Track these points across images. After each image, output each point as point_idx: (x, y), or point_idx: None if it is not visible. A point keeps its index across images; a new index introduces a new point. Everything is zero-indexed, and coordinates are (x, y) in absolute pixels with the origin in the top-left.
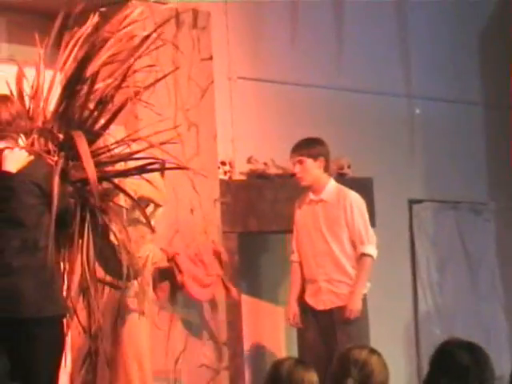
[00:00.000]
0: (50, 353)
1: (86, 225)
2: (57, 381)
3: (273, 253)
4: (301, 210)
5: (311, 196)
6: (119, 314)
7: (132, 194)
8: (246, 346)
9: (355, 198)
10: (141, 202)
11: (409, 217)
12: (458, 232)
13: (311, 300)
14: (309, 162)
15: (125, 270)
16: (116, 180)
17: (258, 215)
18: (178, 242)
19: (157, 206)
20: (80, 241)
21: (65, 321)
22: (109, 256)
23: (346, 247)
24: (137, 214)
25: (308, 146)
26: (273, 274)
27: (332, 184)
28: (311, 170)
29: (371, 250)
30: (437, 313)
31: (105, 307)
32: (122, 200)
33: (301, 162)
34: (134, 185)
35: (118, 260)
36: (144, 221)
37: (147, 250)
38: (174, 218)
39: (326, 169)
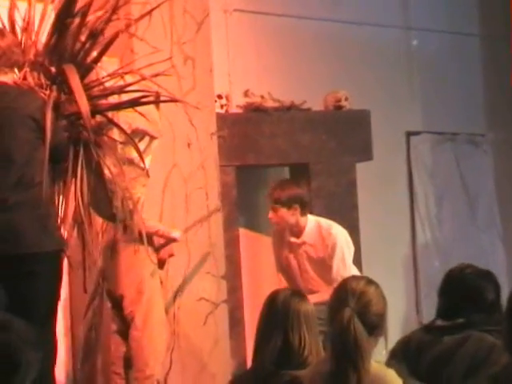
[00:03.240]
0: (49, 288)
1: (80, 159)
2: (55, 316)
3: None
4: (281, 250)
5: (292, 239)
6: (114, 250)
7: (126, 127)
8: (245, 279)
9: (339, 236)
10: (136, 135)
11: (406, 149)
12: (456, 164)
13: None
14: (283, 211)
15: (116, 210)
16: (110, 113)
17: (256, 149)
18: (175, 176)
19: (152, 138)
20: (74, 175)
21: (62, 255)
22: (101, 197)
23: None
24: (130, 152)
25: (281, 195)
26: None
27: (311, 223)
28: (286, 218)
29: None
30: (435, 245)
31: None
32: (116, 134)
33: (274, 210)
34: (129, 117)
35: (109, 201)
36: (137, 161)
37: (138, 193)
38: (170, 153)
39: (304, 212)
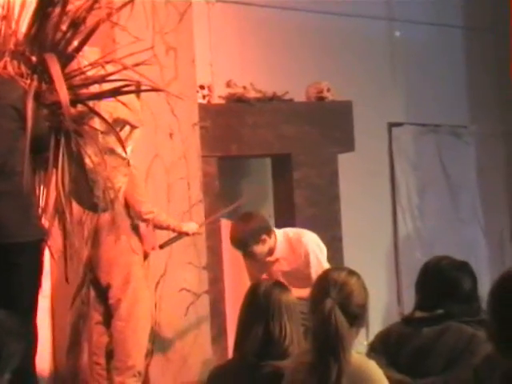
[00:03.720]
0: (31, 278)
1: (61, 148)
2: (36, 305)
3: (253, 177)
4: (254, 271)
5: (266, 258)
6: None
7: (107, 116)
8: (226, 270)
9: (309, 242)
10: (117, 124)
11: (388, 140)
12: (439, 155)
13: None
14: (254, 247)
15: (97, 200)
16: (91, 103)
17: (238, 139)
18: (156, 166)
19: (133, 127)
20: (55, 165)
21: (43, 245)
22: (82, 187)
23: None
24: (112, 141)
25: (245, 236)
26: (253, 198)
27: (280, 237)
28: (260, 251)
29: None
30: (417, 236)
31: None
32: (97, 123)
33: (248, 254)
34: (110, 107)
35: (90, 190)
36: (118, 151)
37: (120, 182)
38: (153, 143)
39: (270, 234)
